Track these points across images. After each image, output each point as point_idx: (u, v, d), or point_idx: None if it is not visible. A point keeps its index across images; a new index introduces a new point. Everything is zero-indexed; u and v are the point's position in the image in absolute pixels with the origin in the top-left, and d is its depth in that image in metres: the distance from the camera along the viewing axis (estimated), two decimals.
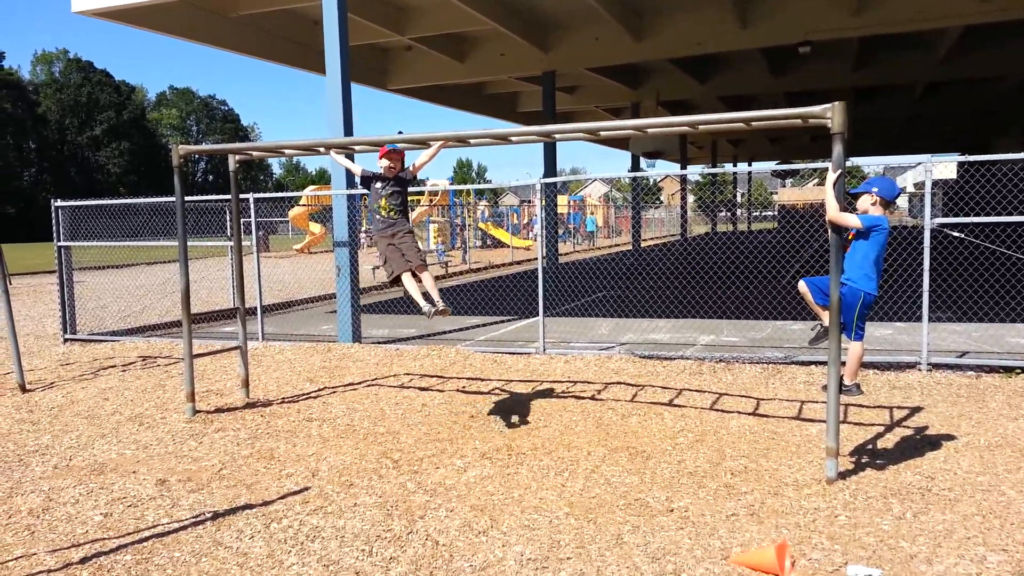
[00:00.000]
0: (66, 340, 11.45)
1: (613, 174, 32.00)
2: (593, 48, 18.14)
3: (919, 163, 8.31)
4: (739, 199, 58.18)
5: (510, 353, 9.40)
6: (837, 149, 4.73)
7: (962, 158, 8.65)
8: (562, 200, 41.71)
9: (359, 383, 8.09)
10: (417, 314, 13.44)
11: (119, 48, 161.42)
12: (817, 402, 6.60)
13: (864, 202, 5.15)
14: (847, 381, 5.25)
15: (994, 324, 9.97)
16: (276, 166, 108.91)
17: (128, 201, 11.83)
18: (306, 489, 4.94)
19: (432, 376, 8.32)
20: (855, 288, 5.02)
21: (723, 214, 51.98)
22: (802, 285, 5.52)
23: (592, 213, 48.26)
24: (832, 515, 4.29)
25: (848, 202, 5.18)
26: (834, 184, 4.86)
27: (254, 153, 7.41)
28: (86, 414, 7.08)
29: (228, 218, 11.08)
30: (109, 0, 12.62)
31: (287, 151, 7.14)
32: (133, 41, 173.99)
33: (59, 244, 11.44)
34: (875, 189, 5.11)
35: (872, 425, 6.02)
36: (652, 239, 46.25)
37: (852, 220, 4.91)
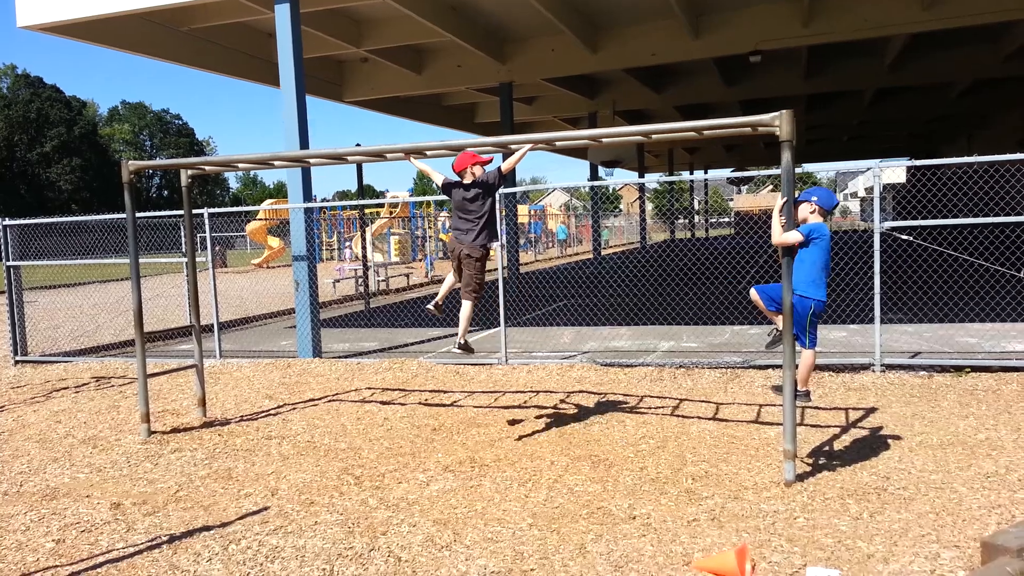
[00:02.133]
0: (17, 362, 11.14)
1: (572, 183, 32.16)
2: (549, 59, 18.25)
3: (869, 168, 8.50)
4: (696, 206, 58.93)
5: (472, 364, 9.38)
6: (786, 156, 4.82)
7: (911, 163, 8.87)
8: (523, 210, 41.85)
9: (320, 399, 8.00)
10: (377, 327, 13.31)
11: (69, 62, 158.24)
12: (775, 405, 6.70)
13: (804, 210, 5.28)
14: (799, 388, 5.33)
15: (944, 324, 10.22)
16: (233, 180, 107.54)
17: (78, 219, 11.59)
18: (265, 509, 4.86)
19: (394, 390, 8.26)
20: (803, 298, 5.10)
21: (681, 221, 52.62)
22: (753, 293, 5.63)
23: (563, 222, 48.93)
24: (791, 517, 4.35)
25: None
26: (780, 209, 4.97)
27: (207, 168, 7.31)
28: (37, 438, 6.89)
29: (182, 234, 10.91)
30: (56, 15, 12.36)
31: (241, 165, 7.05)
32: (84, 55, 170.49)
33: (8, 264, 11.15)
34: (815, 198, 5.28)
35: (828, 427, 6.12)
36: (612, 247, 46.60)
37: (793, 237, 5.00)
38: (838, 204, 5.59)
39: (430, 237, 33.40)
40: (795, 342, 5.01)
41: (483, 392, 7.95)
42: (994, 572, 3.49)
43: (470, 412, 7.13)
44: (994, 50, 18.73)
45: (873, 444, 5.62)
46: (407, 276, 22.91)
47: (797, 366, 5.19)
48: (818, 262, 5.13)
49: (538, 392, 7.80)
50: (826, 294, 5.21)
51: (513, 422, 6.68)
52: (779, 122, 4.75)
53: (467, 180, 6.17)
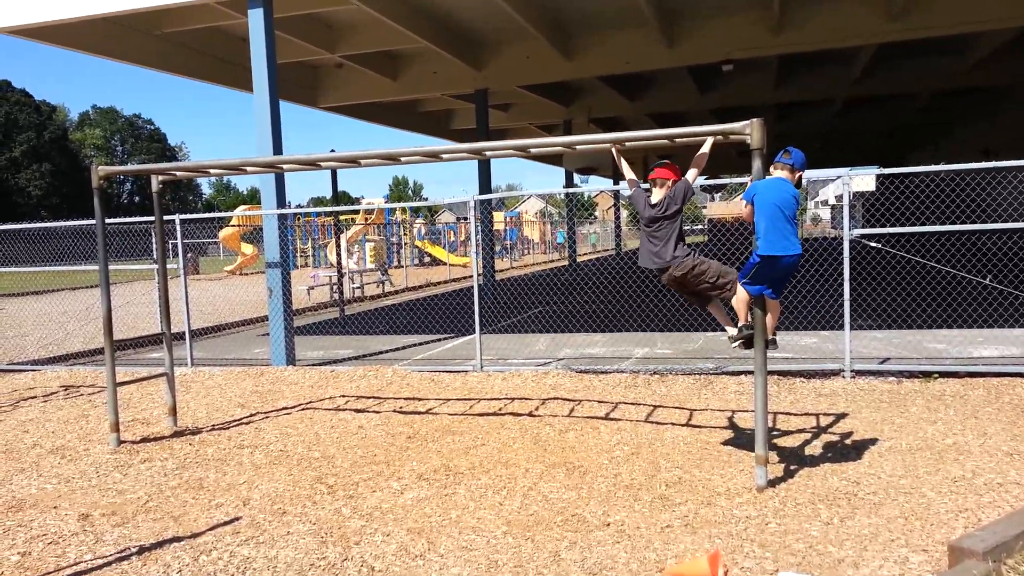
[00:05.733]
0: None
1: (548, 190, 32.16)
2: (524, 66, 18.31)
3: (839, 176, 8.61)
4: None
5: (448, 371, 9.35)
6: (756, 164, 4.88)
7: (880, 171, 9.01)
8: (498, 216, 41.90)
9: (293, 407, 7.94)
10: (352, 334, 13.24)
11: (39, 66, 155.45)
12: (747, 411, 6.75)
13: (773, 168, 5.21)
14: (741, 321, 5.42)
15: (913, 330, 10.37)
16: (206, 186, 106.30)
17: (47, 225, 11.44)
18: (237, 519, 4.81)
19: (368, 397, 8.22)
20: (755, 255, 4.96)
21: None
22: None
23: (561, 227, 49.43)
24: (763, 523, 4.38)
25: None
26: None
27: (179, 173, 7.24)
28: (4, 448, 6.76)
29: (153, 240, 10.78)
30: (22, 17, 12.17)
31: (213, 171, 7.00)
32: (53, 59, 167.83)
33: None
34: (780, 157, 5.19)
35: (800, 432, 6.18)
36: (588, 254, 46.77)
37: (745, 209, 5.03)
38: (789, 151, 5.28)
39: (405, 244, 33.30)
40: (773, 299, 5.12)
41: (458, 399, 7.93)
42: (960, 575, 3.55)
43: (445, 420, 7.11)
44: (959, 61, 19.13)
45: (843, 449, 5.69)
46: (382, 284, 22.81)
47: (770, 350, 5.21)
48: (761, 220, 4.94)
49: (513, 399, 7.80)
50: (779, 248, 4.82)
51: (488, 429, 6.67)
52: (750, 130, 4.81)
53: (656, 199, 5.45)
